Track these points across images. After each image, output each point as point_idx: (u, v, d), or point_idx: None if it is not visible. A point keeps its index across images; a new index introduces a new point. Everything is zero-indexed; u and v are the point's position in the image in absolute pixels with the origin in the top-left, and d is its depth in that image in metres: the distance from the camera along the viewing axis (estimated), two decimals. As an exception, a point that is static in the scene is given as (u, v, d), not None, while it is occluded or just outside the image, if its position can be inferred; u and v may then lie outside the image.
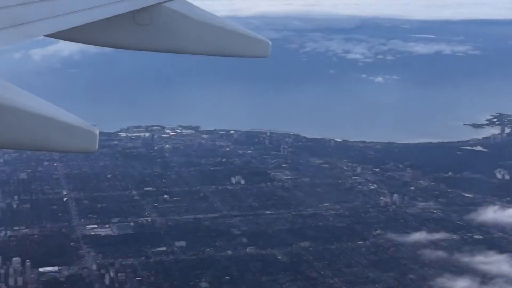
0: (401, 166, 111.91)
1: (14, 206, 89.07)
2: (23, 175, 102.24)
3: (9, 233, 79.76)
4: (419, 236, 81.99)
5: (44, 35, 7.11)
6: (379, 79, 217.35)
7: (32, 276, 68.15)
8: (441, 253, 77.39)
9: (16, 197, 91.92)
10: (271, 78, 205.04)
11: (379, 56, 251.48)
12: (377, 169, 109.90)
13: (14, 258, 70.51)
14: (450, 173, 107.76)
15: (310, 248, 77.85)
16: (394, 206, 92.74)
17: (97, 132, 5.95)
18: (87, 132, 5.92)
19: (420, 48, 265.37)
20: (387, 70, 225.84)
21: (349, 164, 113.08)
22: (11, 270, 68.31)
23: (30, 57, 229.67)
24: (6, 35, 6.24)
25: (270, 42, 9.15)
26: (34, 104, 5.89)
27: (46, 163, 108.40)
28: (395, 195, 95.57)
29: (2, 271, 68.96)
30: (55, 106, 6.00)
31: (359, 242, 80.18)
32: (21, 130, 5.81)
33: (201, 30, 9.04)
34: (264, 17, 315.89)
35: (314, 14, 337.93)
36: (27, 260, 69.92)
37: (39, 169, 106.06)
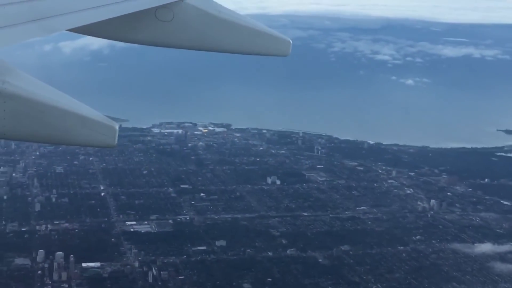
0: (436, 171, 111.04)
1: (53, 200, 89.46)
2: (59, 169, 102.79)
3: (50, 227, 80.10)
4: (460, 243, 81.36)
5: (66, 30, 7.11)
6: (410, 81, 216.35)
7: (75, 271, 68.28)
8: (482, 261, 76.69)
9: (54, 191, 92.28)
10: (300, 77, 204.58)
11: (408, 58, 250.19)
12: (412, 173, 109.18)
13: (58, 253, 70.73)
14: (486, 180, 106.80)
15: (351, 252, 77.43)
16: (432, 212, 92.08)
17: (117, 127, 5.95)
18: (107, 127, 5.93)
19: (449, 51, 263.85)
20: (417, 72, 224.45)
21: (384, 167, 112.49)
22: (55, 265, 68.47)
23: (60, 50, 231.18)
24: (28, 29, 6.28)
25: (291, 41, 9.03)
26: (54, 97, 5.86)
27: (81, 157, 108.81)
28: (433, 201, 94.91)
29: (46, 265, 69.19)
30: (76, 100, 5.98)
31: (399, 248, 79.66)
32: (41, 123, 5.78)
33: (221, 27, 8.99)
34: (292, 16, 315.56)
35: (341, 14, 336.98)
36: (71, 255, 70.11)
37: (75, 163, 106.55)
